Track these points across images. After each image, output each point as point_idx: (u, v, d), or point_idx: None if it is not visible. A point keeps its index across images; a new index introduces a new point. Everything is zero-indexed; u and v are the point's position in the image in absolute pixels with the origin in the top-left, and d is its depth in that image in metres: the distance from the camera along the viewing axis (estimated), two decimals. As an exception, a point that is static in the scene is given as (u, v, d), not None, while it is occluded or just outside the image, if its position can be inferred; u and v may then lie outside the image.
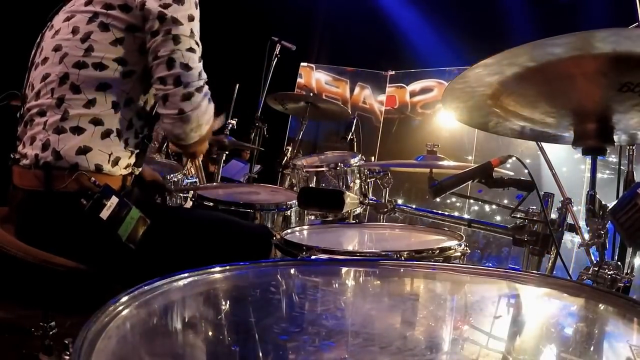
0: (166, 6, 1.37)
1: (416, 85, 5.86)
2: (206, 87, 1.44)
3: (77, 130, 1.36)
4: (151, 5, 1.36)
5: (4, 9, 3.83)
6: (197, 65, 1.40)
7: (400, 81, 5.90)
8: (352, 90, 6.22)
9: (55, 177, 1.35)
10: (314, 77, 6.28)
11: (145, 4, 1.36)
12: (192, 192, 2.28)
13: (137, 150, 1.50)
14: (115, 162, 1.43)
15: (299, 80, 6.18)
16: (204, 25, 1.46)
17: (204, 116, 1.44)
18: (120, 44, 1.38)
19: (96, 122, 1.38)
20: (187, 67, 1.37)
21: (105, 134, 1.39)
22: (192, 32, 1.40)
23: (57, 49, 1.41)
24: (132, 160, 1.49)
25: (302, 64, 6.15)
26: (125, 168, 1.47)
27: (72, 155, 1.35)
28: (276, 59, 4.02)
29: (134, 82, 1.42)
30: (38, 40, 1.53)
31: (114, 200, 1.33)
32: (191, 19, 1.40)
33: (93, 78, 1.37)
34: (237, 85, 4.24)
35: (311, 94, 3.31)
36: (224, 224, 1.63)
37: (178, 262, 0.95)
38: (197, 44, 1.42)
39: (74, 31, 1.40)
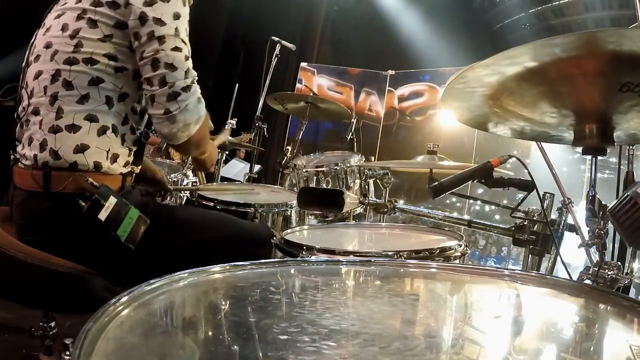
0: (150, 3, 1.35)
1: (404, 90, 5.39)
2: (194, 86, 1.41)
3: (73, 128, 1.36)
4: (135, 3, 1.35)
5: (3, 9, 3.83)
6: (184, 64, 1.38)
7: (400, 82, 5.53)
8: (357, 96, 5.73)
9: (53, 178, 1.35)
10: (316, 83, 5.83)
11: (129, 1, 1.35)
12: (191, 192, 2.28)
13: (135, 148, 1.49)
14: (114, 160, 1.42)
15: (298, 85, 5.78)
16: (205, 25, 1.44)
17: (192, 116, 1.42)
18: (109, 40, 1.38)
19: (91, 118, 1.38)
20: (172, 66, 1.36)
21: (102, 131, 1.39)
22: (177, 30, 1.38)
23: (47, 46, 1.41)
24: (131, 158, 1.49)
25: (302, 64, 5.95)
26: (125, 166, 1.47)
27: (70, 154, 1.35)
28: (276, 59, 4.01)
29: (126, 78, 1.41)
30: (32, 39, 1.53)
31: (112, 200, 1.32)
32: (177, 16, 1.38)
33: (85, 73, 1.37)
34: (237, 85, 4.25)
35: (311, 94, 3.30)
36: (224, 223, 1.62)
37: (178, 262, 0.95)
38: (183, 42, 1.39)
39: (64, 28, 1.40)
